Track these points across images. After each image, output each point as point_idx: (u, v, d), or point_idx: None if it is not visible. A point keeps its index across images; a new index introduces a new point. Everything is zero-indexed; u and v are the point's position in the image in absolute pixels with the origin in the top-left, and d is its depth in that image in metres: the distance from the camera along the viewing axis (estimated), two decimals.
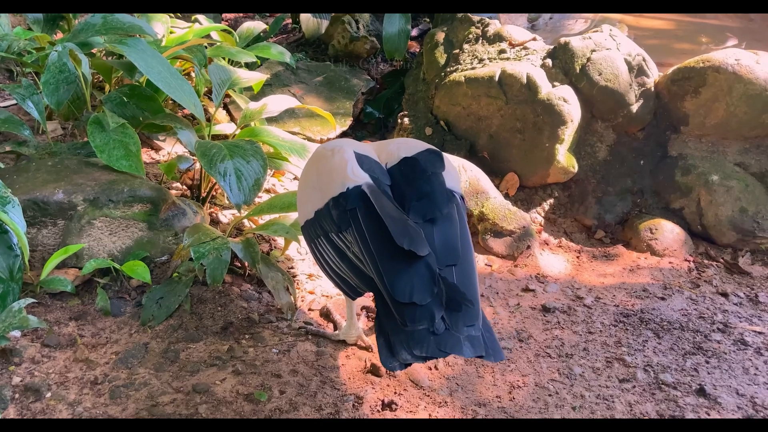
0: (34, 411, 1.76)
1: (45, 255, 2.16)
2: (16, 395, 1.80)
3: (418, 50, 3.95)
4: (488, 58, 3.11)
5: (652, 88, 2.90)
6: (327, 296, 2.39)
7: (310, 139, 3.27)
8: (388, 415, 1.86)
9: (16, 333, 1.99)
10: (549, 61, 2.95)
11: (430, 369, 2.06)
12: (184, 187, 2.77)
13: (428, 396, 1.95)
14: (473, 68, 3.09)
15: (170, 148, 3.06)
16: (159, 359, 1.98)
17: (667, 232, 2.78)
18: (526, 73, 2.87)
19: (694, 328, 2.31)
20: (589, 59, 2.87)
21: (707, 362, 2.15)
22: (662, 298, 2.49)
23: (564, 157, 2.86)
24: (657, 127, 2.97)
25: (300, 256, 2.59)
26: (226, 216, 2.70)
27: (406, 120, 3.28)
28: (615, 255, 2.77)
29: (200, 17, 3.56)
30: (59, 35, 3.15)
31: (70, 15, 3.12)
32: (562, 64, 2.93)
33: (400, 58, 3.94)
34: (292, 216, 2.40)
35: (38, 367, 1.91)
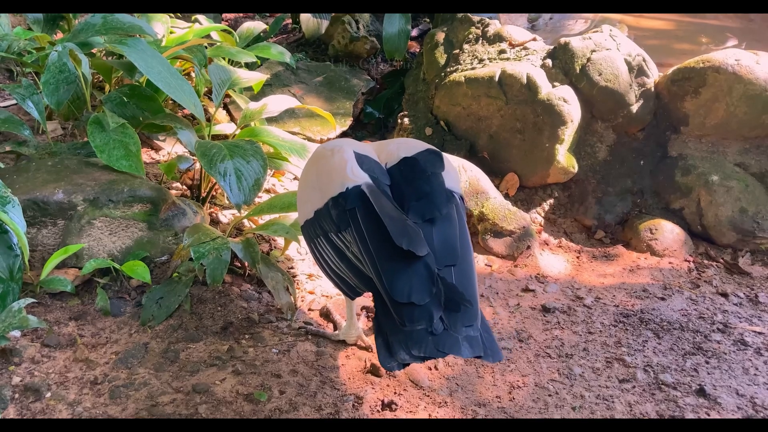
0: (34, 411, 1.76)
1: (45, 255, 2.16)
2: (16, 395, 1.80)
3: (418, 50, 3.95)
4: (488, 59, 3.11)
5: (652, 89, 2.90)
6: (327, 296, 2.39)
7: (310, 139, 3.28)
8: (388, 415, 1.86)
9: (16, 333, 1.99)
10: (549, 62, 2.95)
11: (430, 369, 2.06)
12: (184, 187, 2.77)
13: (428, 396, 1.95)
14: (473, 68, 3.09)
15: (170, 148, 3.06)
16: (159, 359, 1.98)
17: (667, 232, 2.78)
18: (526, 73, 2.87)
19: (694, 328, 2.31)
20: (589, 59, 2.87)
21: (707, 362, 2.15)
22: (662, 299, 2.49)
23: (564, 157, 2.86)
24: (657, 127, 2.97)
25: (300, 256, 2.59)
26: (226, 216, 2.70)
27: (406, 120, 3.28)
28: (615, 255, 2.77)
29: (200, 17, 3.56)
30: (59, 35, 3.16)
31: (70, 15, 3.12)
32: (562, 64, 2.93)
33: (400, 58, 3.94)
34: (292, 216, 2.40)
35: (38, 367, 1.91)
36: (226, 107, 3.39)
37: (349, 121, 3.50)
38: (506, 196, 2.92)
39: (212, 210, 2.69)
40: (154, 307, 2.14)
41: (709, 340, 2.25)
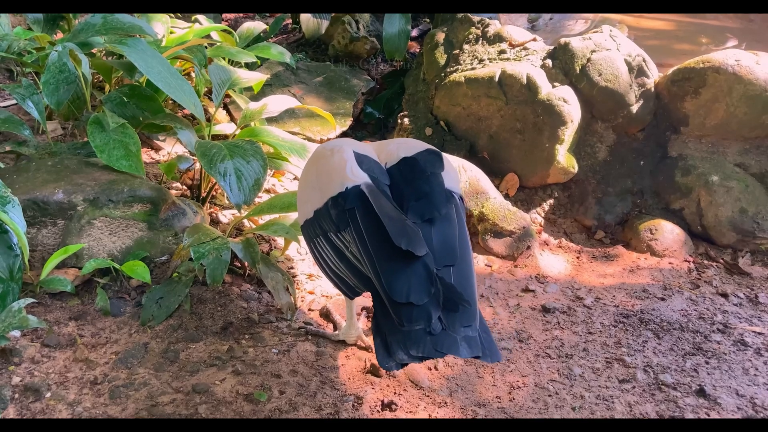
0: (34, 411, 1.76)
1: (45, 255, 2.16)
2: (16, 395, 1.81)
3: (418, 50, 3.95)
4: (488, 59, 3.11)
5: (652, 89, 2.90)
6: (327, 296, 2.39)
7: (310, 139, 3.28)
8: (388, 415, 1.86)
9: (16, 333, 1.99)
10: (549, 62, 2.95)
11: (430, 369, 2.06)
12: (184, 187, 2.77)
13: (428, 396, 1.95)
14: (473, 69, 3.09)
15: (170, 148, 3.06)
16: (159, 359, 1.98)
17: (667, 232, 2.78)
18: (526, 73, 2.87)
19: (693, 328, 2.31)
20: (589, 60, 2.87)
21: (707, 363, 2.15)
22: (662, 299, 2.49)
23: (564, 157, 2.86)
24: (657, 127, 2.97)
25: (300, 256, 2.59)
26: (226, 216, 2.70)
27: (406, 120, 3.28)
28: (615, 255, 2.77)
29: (200, 17, 3.56)
30: (59, 35, 3.16)
31: (70, 15, 3.12)
32: (562, 64, 2.93)
33: (400, 58, 3.94)
34: (292, 216, 2.41)
35: (38, 367, 1.91)
36: (226, 107, 3.39)
37: (349, 121, 3.50)
38: (506, 196, 2.92)
39: (212, 210, 2.69)
40: (154, 307, 2.14)
41: (709, 341, 2.25)
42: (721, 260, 2.75)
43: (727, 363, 2.15)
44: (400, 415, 1.87)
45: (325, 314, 2.28)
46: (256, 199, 2.68)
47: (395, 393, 1.94)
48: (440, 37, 3.40)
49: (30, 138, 2.56)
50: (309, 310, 2.32)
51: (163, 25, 3.21)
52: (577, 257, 2.78)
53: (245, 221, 2.59)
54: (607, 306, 2.43)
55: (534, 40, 3.10)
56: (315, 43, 4.13)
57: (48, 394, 1.82)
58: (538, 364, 2.12)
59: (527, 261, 2.67)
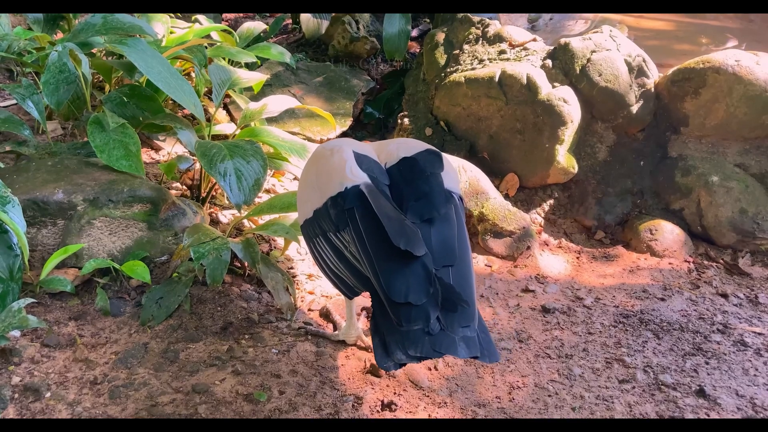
0: (34, 411, 1.76)
1: (45, 255, 2.16)
2: (16, 395, 1.81)
3: (418, 51, 3.96)
4: (488, 59, 3.11)
5: (652, 89, 2.90)
6: (327, 296, 2.39)
7: (310, 140, 3.28)
8: (388, 415, 1.86)
9: (16, 333, 2.00)
10: (549, 62, 2.95)
11: (430, 369, 2.06)
12: (184, 187, 2.77)
13: (428, 396, 1.95)
14: (473, 69, 3.09)
15: (170, 148, 3.06)
16: (158, 359, 1.98)
17: (667, 233, 2.78)
18: (526, 73, 2.87)
19: (693, 329, 2.31)
20: (589, 60, 2.87)
21: (707, 363, 2.15)
22: (662, 299, 2.49)
23: (564, 157, 2.86)
24: (657, 128, 2.97)
25: (300, 256, 2.59)
26: (226, 216, 2.70)
27: (406, 120, 3.28)
28: (615, 256, 2.77)
29: (200, 17, 3.56)
30: (59, 35, 3.16)
31: (70, 15, 3.12)
32: (562, 64, 2.93)
33: (400, 58, 3.94)
34: (292, 216, 2.41)
35: (38, 367, 1.91)
36: (226, 107, 3.39)
37: (349, 122, 3.50)
38: (506, 196, 2.92)
39: (212, 210, 2.69)
40: (153, 307, 2.14)
41: (708, 341, 2.25)
42: (721, 260, 2.75)
43: (727, 363, 2.15)
44: (400, 415, 1.87)
45: (325, 314, 2.28)
46: (256, 199, 2.68)
47: (395, 393, 1.94)
48: (440, 37, 3.40)
49: (30, 138, 2.56)
50: (309, 310, 2.32)
51: (163, 25, 3.21)
52: (577, 257, 2.78)
53: (245, 221, 2.59)
54: (607, 306, 2.43)
55: (534, 40, 3.10)
56: (315, 43, 4.13)
57: (48, 394, 1.82)
58: (537, 365, 2.12)
59: (527, 261, 2.67)
